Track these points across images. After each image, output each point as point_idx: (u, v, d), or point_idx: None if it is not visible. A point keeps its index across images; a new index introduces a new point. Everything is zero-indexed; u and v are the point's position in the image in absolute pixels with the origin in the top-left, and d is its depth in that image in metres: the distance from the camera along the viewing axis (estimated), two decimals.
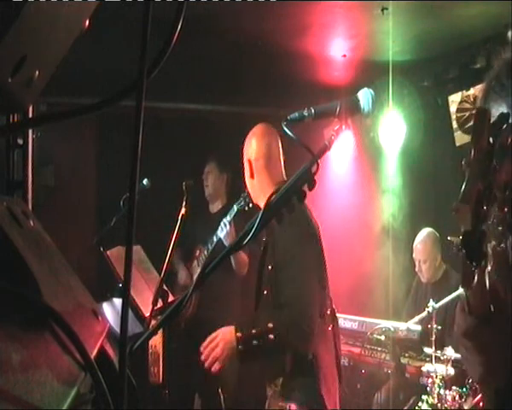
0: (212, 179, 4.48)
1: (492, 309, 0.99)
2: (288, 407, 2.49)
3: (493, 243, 1.05)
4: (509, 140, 1.05)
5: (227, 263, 3.08)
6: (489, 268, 1.00)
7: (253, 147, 2.72)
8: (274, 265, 2.54)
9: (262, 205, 1.67)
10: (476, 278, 0.98)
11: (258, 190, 2.71)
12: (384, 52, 4.17)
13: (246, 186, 2.84)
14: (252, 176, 2.72)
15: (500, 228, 1.04)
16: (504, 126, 1.03)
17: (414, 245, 4.45)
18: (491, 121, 1.04)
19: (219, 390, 4.27)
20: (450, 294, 3.68)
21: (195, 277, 4.42)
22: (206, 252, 4.12)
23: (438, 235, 4.38)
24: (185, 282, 4.36)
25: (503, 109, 1.23)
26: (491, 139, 1.01)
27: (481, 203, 0.98)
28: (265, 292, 2.57)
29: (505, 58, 1.24)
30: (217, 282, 3.23)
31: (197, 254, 4.31)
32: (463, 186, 1.01)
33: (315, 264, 2.57)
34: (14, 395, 0.65)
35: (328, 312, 2.60)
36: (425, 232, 4.43)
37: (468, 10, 3.66)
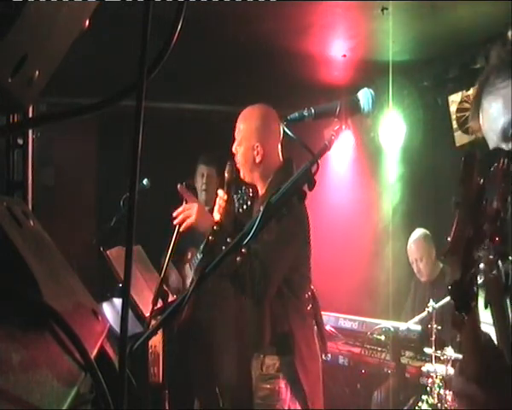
0: (212, 185, 4.40)
1: (489, 364, 0.99)
2: (276, 388, 2.63)
3: (486, 269, 1.05)
4: (499, 172, 1.05)
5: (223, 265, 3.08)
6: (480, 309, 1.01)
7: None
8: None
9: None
10: (468, 324, 0.99)
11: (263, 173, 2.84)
12: (384, 52, 4.17)
13: (244, 183, 2.89)
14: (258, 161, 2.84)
15: (491, 257, 1.03)
16: (494, 166, 1.04)
17: (408, 247, 4.47)
18: (481, 158, 1.05)
19: (218, 390, 4.27)
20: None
21: (189, 279, 4.41)
22: (198, 255, 4.09)
23: (429, 233, 4.42)
24: (177, 285, 4.33)
25: (498, 104, 1.23)
26: (480, 180, 1.02)
27: (471, 251, 0.98)
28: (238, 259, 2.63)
29: (493, 63, 1.25)
30: (212, 284, 3.22)
31: (189, 256, 4.29)
32: (451, 234, 1.01)
33: (297, 247, 2.72)
34: (14, 395, 0.65)
35: (306, 295, 2.79)
36: (417, 233, 4.49)
37: (468, 10, 3.66)
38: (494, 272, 1.07)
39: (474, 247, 0.99)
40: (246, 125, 2.87)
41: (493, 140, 1.26)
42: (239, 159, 2.89)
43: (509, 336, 1.19)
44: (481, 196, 1.02)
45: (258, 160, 2.84)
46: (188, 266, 4.30)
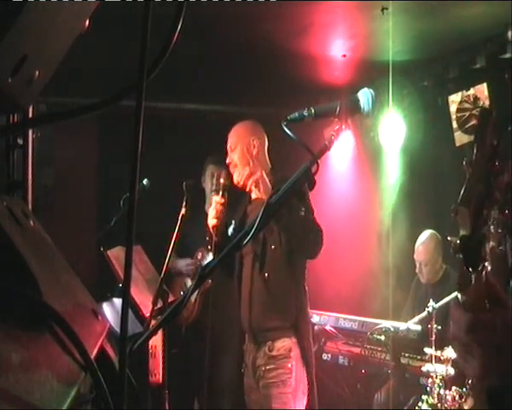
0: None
1: (488, 307, 0.97)
2: (288, 366, 2.87)
3: (492, 244, 1.04)
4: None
5: (230, 267, 3.15)
6: (488, 269, 0.99)
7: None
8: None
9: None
10: (473, 281, 0.97)
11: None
12: (384, 52, 4.17)
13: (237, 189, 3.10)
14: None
15: (500, 230, 1.02)
16: (509, 128, 1.03)
17: (416, 246, 4.44)
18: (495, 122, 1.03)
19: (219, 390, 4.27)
20: (449, 294, 3.68)
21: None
22: (206, 256, 4.11)
23: (439, 237, 4.38)
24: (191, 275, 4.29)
25: None
26: (494, 141, 1.01)
27: (481, 206, 0.97)
28: (273, 247, 2.93)
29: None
30: (219, 286, 3.25)
31: (199, 257, 4.29)
32: (463, 188, 0.99)
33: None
34: (14, 395, 0.65)
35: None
36: (427, 234, 4.43)
37: (468, 10, 3.66)
38: (501, 247, 1.06)
39: (484, 204, 0.98)
40: (238, 130, 3.18)
41: None
42: (235, 161, 3.06)
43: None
44: (494, 156, 1.00)
45: (255, 152, 3.09)
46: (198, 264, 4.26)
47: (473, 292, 0.97)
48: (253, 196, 3.04)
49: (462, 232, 0.98)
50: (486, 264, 0.98)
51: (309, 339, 2.97)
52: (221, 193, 3.03)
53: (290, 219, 2.71)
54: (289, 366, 2.87)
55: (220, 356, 4.00)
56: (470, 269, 0.96)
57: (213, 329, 3.25)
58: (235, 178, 3.05)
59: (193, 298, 3.75)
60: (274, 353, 2.90)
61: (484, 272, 0.98)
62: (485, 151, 0.99)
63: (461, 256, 0.97)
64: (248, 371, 3.04)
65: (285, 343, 2.89)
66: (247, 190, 3.04)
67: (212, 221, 2.96)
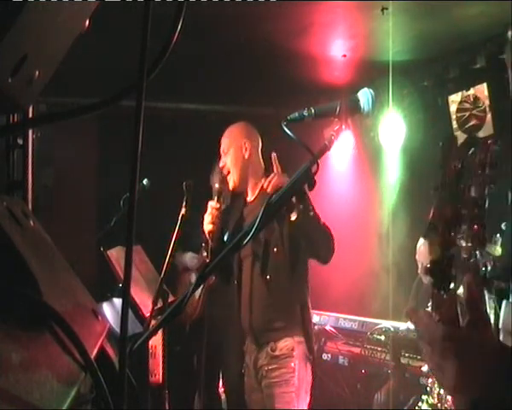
0: None
1: (463, 323, 0.99)
2: (291, 365, 2.86)
3: (464, 256, 1.08)
4: (477, 160, 1.09)
5: (226, 272, 3.16)
6: (462, 287, 1.02)
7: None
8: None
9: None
10: (446, 302, 1.00)
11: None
12: (384, 52, 4.17)
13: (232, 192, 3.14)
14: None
15: (470, 244, 1.06)
16: (472, 150, 1.07)
17: (417, 246, 4.44)
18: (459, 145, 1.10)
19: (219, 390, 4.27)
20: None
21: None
22: None
23: None
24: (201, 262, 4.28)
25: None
26: (458, 164, 1.04)
27: (449, 232, 1.01)
28: (275, 249, 2.91)
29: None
30: (220, 285, 3.25)
31: (204, 253, 4.28)
32: (431, 215, 1.03)
33: None
34: (14, 395, 0.65)
35: None
36: None
37: (468, 10, 3.66)
38: (472, 259, 1.11)
39: (452, 228, 1.01)
40: (230, 133, 3.15)
41: None
42: (228, 164, 3.09)
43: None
44: (459, 180, 1.05)
45: (247, 156, 3.06)
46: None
47: (446, 311, 1.00)
48: (249, 198, 3.05)
49: (431, 256, 1.01)
50: (463, 281, 1.02)
51: (312, 338, 2.98)
52: (216, 198, 3.01)
53: (303, 219, 2.66)
54: (292, 365, 2.87)
55: (223, 356, 4.00)
56: (441, 291, 0.98)
57: (217, 327, 3.25)
58: (229, 182, 3.06)
59: (197, 295, 3.74)
60: (277, 353, 2.90)
61: (457, 292, 1.00)
62: (451, 175, 1.03)
63: (432, 280, 1.00)
64: (249, 371, 3.04)
65: (287, 343, 2.89)
66: (242, 192, 3.05)
67: (207, 227, 2.95)
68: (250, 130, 3.18)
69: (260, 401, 2.98)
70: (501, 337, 1.29)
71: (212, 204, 2.98)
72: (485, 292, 1.27)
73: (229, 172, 3.08)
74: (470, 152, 1.10)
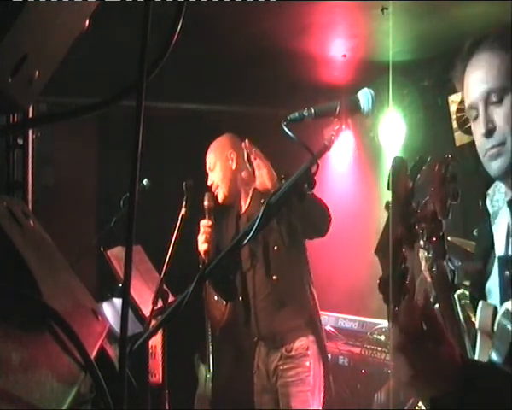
0: None
1: (424, 327, 1.01)
2: (307, 364, 2.88)
3: (428, 266, 1.14)
4: (436, 176, 1.12)
5: (226, 290, 3.18)
6: (423, 293, 1.06)
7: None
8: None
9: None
10: (401, 313, 1.02)
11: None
12: (384, 52, 4.16)
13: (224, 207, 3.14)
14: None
15: (430, 255, 1.12)
16: (423, 168, 1.10)
17: None
18: (410, 166, 1.13)
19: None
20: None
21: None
22: None
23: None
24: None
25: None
26: (409, 184, 1.07)
27: (400, 249, 1.03)
28: (275, 247, 2.90)
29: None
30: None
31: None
32: (381, 234, 1.08)
33: None
34: (14, 395, 0.65)
35: None
36: None
37: (468, 10, 3.66)
38: (434, 269, 1.17)
39: (403, 245, 1.04)
40: (214, 147, 3.17)
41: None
42: (217, 180, 3.03)
43: (458, 329, 1.23)
44: (410, 199, 1.06)
45: (234, 166, 3.07)
46: None
47: (404, 323, 1.02)
48: (243, 209, 3.05)
49: (381, 273, 1.08)
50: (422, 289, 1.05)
51: (323, 335, 2.98)
52: (207, 216, 2.99)
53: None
54: (307, 364, 2.88)
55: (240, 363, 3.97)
56: (393, 306, 1.01)
57: (239, 334, 3.26)
58: (220, 198, 3.05)
59: (224, 301, 3.73)
60: (292, 353, 2.90)
61: (414, 300, 1.03)
62: (401, 195, 1.05)
63: (383, 296, 1.03)
64: (261, 373, 3.03)
65: (302, 342, 2.89)
66: (235, 205, 3.05)
67: (202, 247, 2.93)
68: (233, 140, 3.16)
69: (271, 401, 2.98)
70: (478, 338, 1.32)
71: (204, 223, 2.96)
72: (455, 297, 1.32)
73: (217, 187, 3.07)
74: (420, 173, 1.12)
